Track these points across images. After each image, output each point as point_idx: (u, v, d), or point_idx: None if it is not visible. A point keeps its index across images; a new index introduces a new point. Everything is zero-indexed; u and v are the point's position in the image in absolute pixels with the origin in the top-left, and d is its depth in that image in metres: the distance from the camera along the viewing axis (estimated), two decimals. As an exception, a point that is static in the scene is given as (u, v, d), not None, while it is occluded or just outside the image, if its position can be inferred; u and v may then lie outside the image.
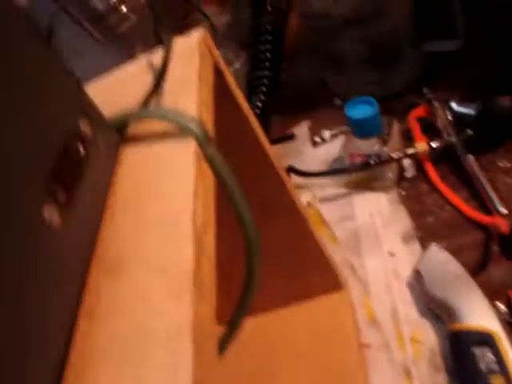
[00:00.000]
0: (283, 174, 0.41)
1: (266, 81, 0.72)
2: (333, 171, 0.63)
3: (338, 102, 0.77)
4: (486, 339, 0.42)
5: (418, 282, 0.50)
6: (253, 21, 0.71)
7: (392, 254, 0.55)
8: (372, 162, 0.59)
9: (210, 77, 0.30)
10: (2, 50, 0.19)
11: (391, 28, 0.66)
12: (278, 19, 0.71)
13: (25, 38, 0.21)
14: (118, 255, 0.20)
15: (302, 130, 0.76)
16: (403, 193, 0.61)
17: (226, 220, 0.25)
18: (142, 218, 0.22)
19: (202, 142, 0.24)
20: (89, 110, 0.24)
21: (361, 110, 0.59)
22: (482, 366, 0.40)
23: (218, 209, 0.24)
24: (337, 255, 0.56)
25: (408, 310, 0.50)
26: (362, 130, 0.60)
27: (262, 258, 0.26)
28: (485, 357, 0.41)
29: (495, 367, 0.40)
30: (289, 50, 0.82)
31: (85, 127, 0.23)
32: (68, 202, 0.20)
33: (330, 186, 0.65)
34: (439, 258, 0.50)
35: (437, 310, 0.48)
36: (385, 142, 0.60)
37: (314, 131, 0.75)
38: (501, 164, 0.57)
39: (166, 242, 0.20)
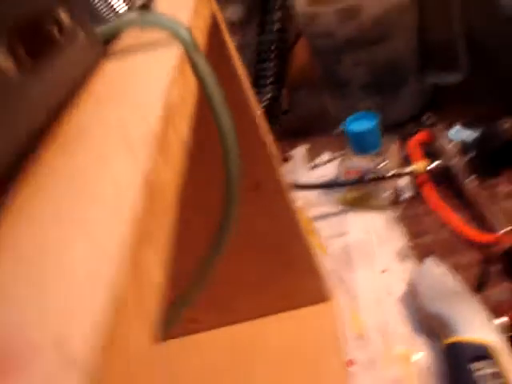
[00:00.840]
0: (275, 152, 0.38)
1: (265, 104, 0.71)
2: (325, 184, 0.61)
3: (338, 131, 0.76)
4: (483, 352, 0.38)
5: (411, 296, 0.46)
6: (259, 38, 0.71)
7: (385, 271, 0.52)
8: (367, 177, 0.57)
9: (205, 13, 0.28)
10: None
11: (394, 53, 0.66)
12: (284, 39, 0.71)
13: None
14: (76, 129, 0.18)
15: (299, 152, 0.75)
16: (400, 213, 0.58)
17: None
18: (110, 105, 0.19)
19: (188, 47, 0.22)
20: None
21: (361, 124, 0.58)
22: (479, 380, 0.37)
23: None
24: (326, 266, 0.53)
25: (399, 326, 0.47)
26: (360, 144, 0.58)
27: (239, 194, 0.24)
28: (482, 370, 0.37)
29: (493, 380, 0.36)
30: (294, 82, 0.82)
31: (64, 18, 0.22)
32: (29, 64, 0.18)
33: (323, 205, 0.63)
34: (435, 271, 0.46)
35: (431, 325, 0.44)
36: (383, 160, 0.59)
37: (313, 156, 0.74)
38: (502, 188, 0.56)
39: (132, 115, 0.18)
